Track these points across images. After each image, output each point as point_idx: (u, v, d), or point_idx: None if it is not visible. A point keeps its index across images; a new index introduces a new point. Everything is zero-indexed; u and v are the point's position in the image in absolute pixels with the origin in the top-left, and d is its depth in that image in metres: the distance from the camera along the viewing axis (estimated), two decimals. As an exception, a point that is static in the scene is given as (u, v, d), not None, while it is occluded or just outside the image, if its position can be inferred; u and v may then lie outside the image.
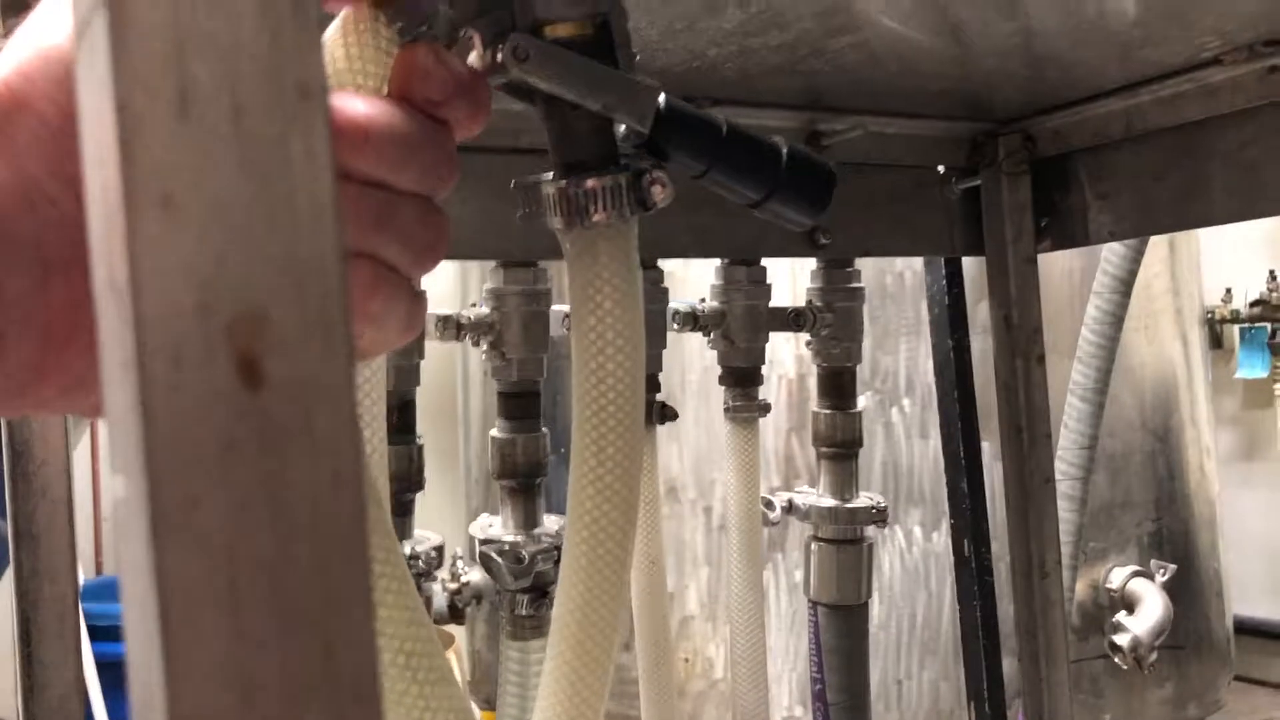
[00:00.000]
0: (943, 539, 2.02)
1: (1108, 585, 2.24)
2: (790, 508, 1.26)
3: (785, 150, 0.50)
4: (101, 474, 3.17)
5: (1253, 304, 3.62)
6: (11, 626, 0.78)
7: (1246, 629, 3.23)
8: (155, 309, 0.19)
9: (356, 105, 0.38)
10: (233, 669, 0.19)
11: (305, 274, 0.20)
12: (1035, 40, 0.85)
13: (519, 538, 0.99)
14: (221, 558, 0.20)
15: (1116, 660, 2.12)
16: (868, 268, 1.28)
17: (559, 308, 1.03)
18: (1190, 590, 2.38)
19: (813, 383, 1.46)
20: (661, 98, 0.48)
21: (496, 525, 1.02)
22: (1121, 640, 2.09)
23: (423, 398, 1.06)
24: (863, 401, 1.26)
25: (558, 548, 0.97)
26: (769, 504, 1.26)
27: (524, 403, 1.01)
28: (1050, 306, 1.27)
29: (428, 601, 1.05)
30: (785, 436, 2.08)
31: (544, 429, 1.02)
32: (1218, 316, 3.66)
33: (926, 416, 2.04)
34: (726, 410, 1.20)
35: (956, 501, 1.47)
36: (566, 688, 0.50)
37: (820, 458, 1.26)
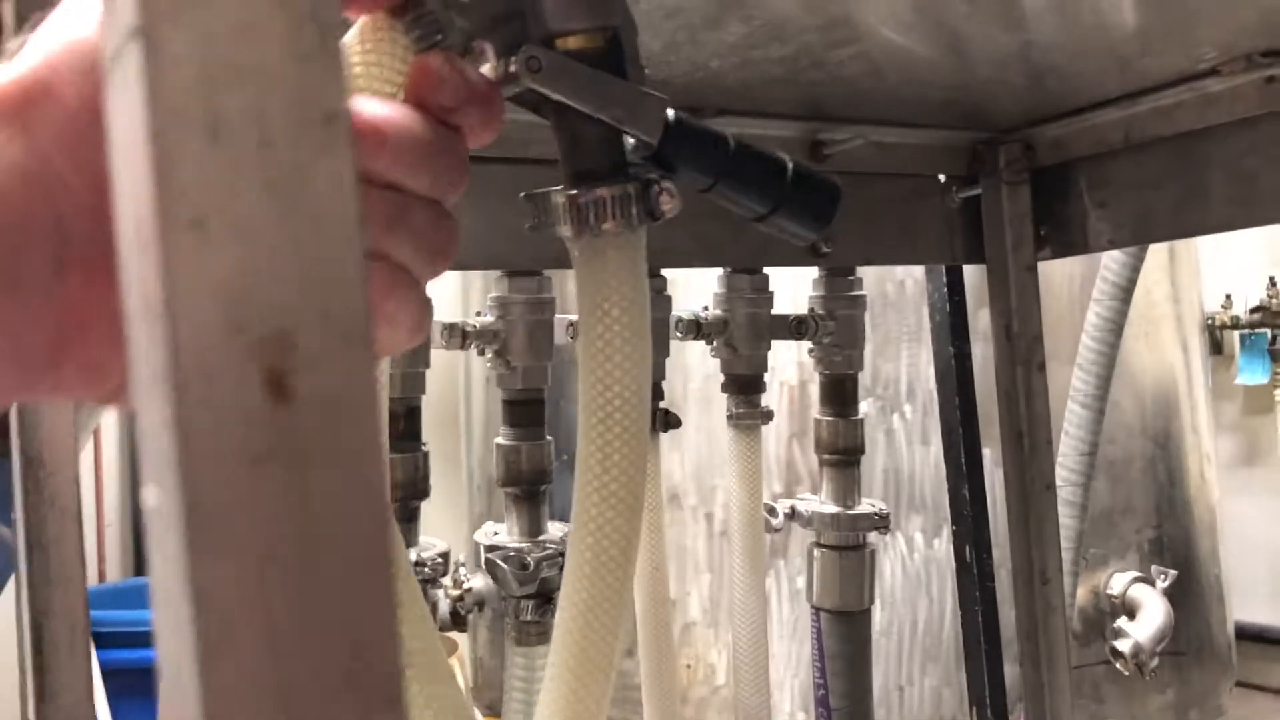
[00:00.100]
0: (944, 546, 2.03)
1: (1108, 591, 2.24)
2: (793, 514, 1.27)
3: (791, 166, 0.51)
4: (105, 483, 3.18)
5: (1253, 310, 3.62)
6: (14, 635, 0.79)
7: (1248, 635, 3.24)
8: (188, 328, 0.20)
9: (374, 108, 0.38)
10: (265, 671, 0.20)
11: (330, 294, 0.21)
12: (1035, 51, 0.86)
13: (524, 544, 1.00)
14: (252, 565, 0.20)
15: (1118, 666, 2.12)
16: (868, 275, 1.29)
17: (563, 316, 1.04)
18: (1191, 596, 2.39)
19: (813, 389, 1.47)
20: (670, 112, 0.49)
21: (502, 532, 1.03)
22: (1123, 646, 2.10)
23: (425, 406, 1.07)
24: (864, 408, 1.26)
25: (562, 554, 0.97)
26: (771, 510, 1.27)
27: (529, 410, 1.02)
28: (1050, 314, 1.28)
29: (433, 608, 1.06)
30: (786, 443, 2.09)
31: (548, 436, 1.03)
32: (1218, 323, 3.66)
33: (927, 423, 2.04)
34: (729, 417, 1.21)
35: (958, 508, 1.48)
36: (568, 693, 0.50)
37: (823, 464, 1.27)
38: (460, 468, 2.89)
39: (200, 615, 0.20)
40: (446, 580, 1.09)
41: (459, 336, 0.99)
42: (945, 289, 1.45)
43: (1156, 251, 2.34)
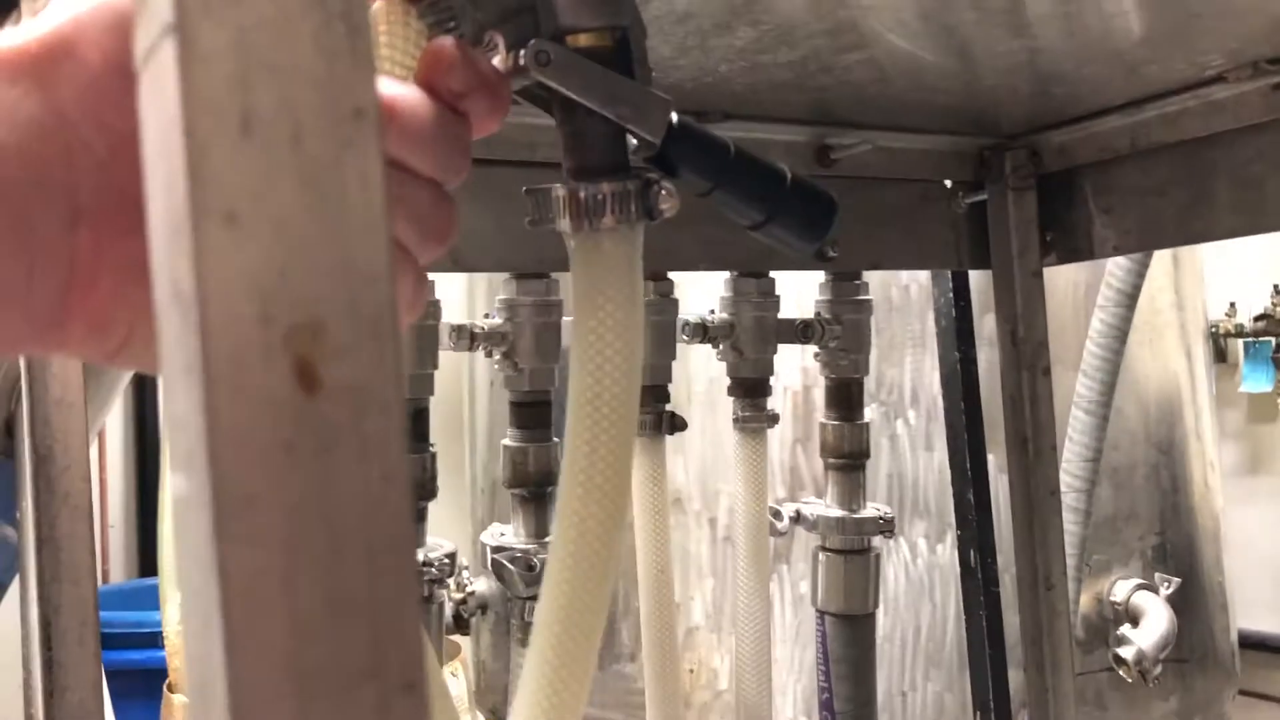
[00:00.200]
0: (947, 551, 2.03)
1: (1112, 598, 2.24)
2: (798, 518, 1.27)
3: (789, 177, 0.51)
4: (109, 485, 3.18)
5: (1257, 318, 3.62)
6: (20, 633, 0.79)
7: (1251, 643, 3.23)
8: (219, 318, 0.21)
9: (385, 86, 0.39)
10: (289, 656, 0.20)
11: (359, 285, 0.21)
12: (1041, 58, 0.86)
13: (530, 545, 1.00)
14: (278, 551, 0.21)
15: (1121, 673, 2.12)
16: (874, 280, 1.29)
17: (570, 319, 1.04)
18: (1194, 604, 2.38)
19: (818, 394, 1.47)
20: (673, 115, 0.49)
21: (508, 533, 1.04)
22: (1126, 653, 2.09)
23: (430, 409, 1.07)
24: (868, 414, 1.27)
25: (568, 556, 0.97)
26: (777, 514, 1.27)
27: (536, 412, 1.03)
28: (1055, 320, 1.28)
29: (438, 609, 1.06)
30: (790, 448, 2.09)
31: (555, 438, 1.04)
32: (1222, 330, 3.66)
33: (932, 429, 2.04)
34: (735, 421, 1.21)
35: (963, 513, 1.48)
36: (546, 686, 0.50)
37: (828, 469, 1.27)
38: (464, 471, 2.89)
39: (227, 601, 0.20)
40: (450, 583, 1.09)
41: (467, 338, 0.99)
42: (951, 294, 1.45)
43: (1161, 259, 2.34)
